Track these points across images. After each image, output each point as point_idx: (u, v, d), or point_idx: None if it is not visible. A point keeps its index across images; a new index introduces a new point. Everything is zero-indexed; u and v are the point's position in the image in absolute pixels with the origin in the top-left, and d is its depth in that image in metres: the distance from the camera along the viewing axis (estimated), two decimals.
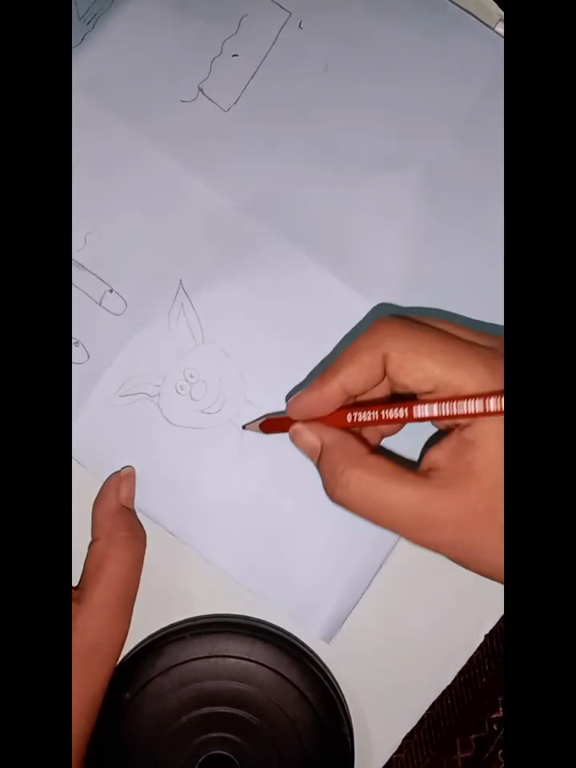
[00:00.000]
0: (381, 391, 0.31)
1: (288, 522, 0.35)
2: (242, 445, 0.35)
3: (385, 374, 0.30)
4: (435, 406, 0.27)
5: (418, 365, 0.28)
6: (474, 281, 0.36)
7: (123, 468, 0.35)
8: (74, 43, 0.37)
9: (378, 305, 0.36)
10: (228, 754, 0.33)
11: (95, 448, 0.35)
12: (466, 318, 0.36)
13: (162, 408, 0.35)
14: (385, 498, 0.28)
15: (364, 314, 0.36)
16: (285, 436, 0.32)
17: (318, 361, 0.36)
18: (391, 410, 0.29)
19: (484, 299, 0.36)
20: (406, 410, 0.28)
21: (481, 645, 0.35)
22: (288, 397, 0.35)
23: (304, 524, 0.35)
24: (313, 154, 0.37)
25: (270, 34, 0.38)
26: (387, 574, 0.35)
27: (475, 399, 0.27)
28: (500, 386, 0.27)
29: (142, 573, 0.34)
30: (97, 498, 0.34)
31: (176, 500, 0.35)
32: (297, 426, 0.31)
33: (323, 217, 0.37)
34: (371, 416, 0.30)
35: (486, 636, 0.35)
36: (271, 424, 0.34)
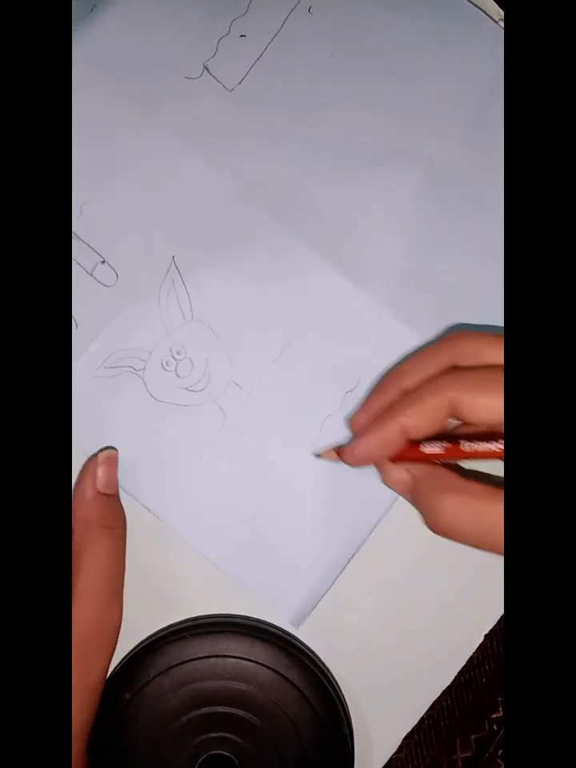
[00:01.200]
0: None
1: (266, 505, 0.35)
2: (225, 425, 0.35)
3: (452, 415, 0.29)
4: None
5: (491, 405, 0.27)
6: (473, 277, 0.36)
7: (102, 450, 0.34)
8: (80, 16, 0.37)
9: (383, 302, 0.36)
10: (228, 754, 0.33)
11: (78, 419, 0.34)
12: (465, 315, 0.36)
13: (147, 383, 0.35)
14: (490, 521, 0.27)
15: (358, 306, 0.36)
16: (263, 421, 0.34)
17: (306, 346, 0.36)
18: (469, 445, 0.28)
19: (483, 295, 0.36)
20: (483, 445, 0.28)
21: (481, 645, 0.35)
22: (348, 419, 0.35)
23: (283, 507, 0.35)
24: (314, 142, 0.37)
25: (279, 17, 0.38)
26: (387, 574, 0.35)
27: None
28: None
29: (143, 572, 0.34)
30: (75, 484, 0.34)
31: (155, 477, 0.35)
32: (383, 466, 0.31)
33: (322, 206, 0.36)
34: (443, 448, 0.29)
35: (486, 636, 0.35)
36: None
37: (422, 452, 0.30)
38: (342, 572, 0.35)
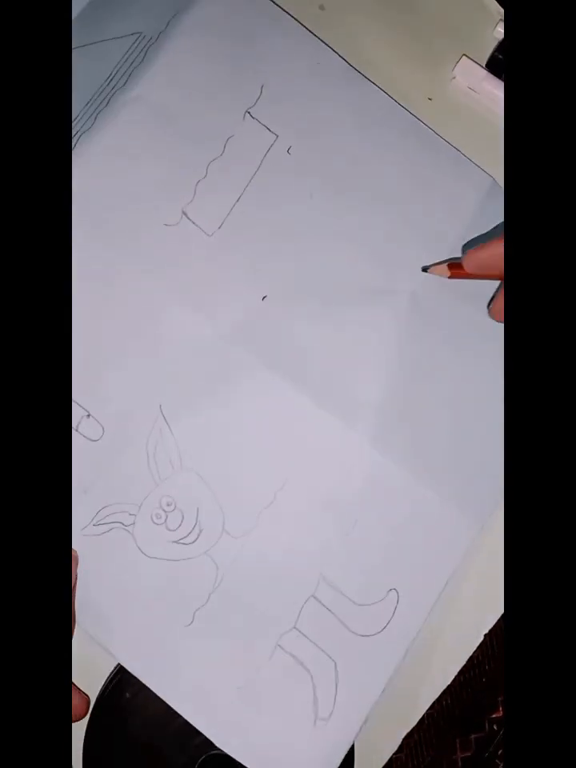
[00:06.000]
0: None
1: (263, 673, 0.33)
2: (217, 578, 0.34)
3: None
4: None
5: None
6: (460, 410, 0.36)
7: None
8: None
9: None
10: (227, 754, 0.32)
11: None
12: (452, 448, 0.36)
13: (137, 538, 0.34)
14: None
15: (349, 445, 0.35)
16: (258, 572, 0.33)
17: (300, 489, 0.34)
18: None
19: (470, 429, 0.36)
20: None
21: (481, 645, 0.35)
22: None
23: (273, 679, 0.33)
24: (295, 282, 0.36)
25: (256, 157, 0.37)
26: None
27: None
28: None
29: None
30: None
31: (145, 642, 0.33)
32: None
33: (306, 346, 0.36)
34: None
35: (486, 636, 0.35)
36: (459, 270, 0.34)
37: None
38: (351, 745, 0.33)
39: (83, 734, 0.33)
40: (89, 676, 0.33)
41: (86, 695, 0.33)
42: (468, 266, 0.33)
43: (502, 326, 0.34)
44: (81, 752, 0.33)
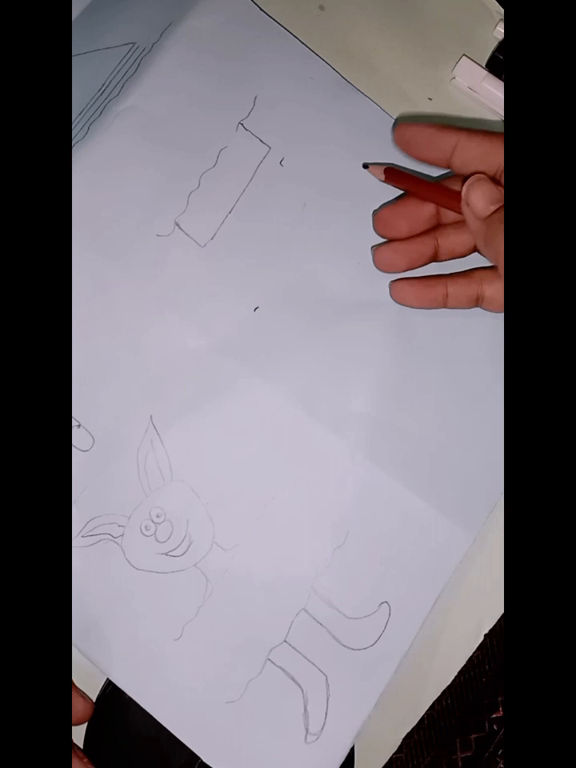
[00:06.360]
0: None
1: (253, 688, 0.33)
2: (207, 591, 0.33)
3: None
4: None
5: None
6: (451, 420, 0.36)
7: None
8: None
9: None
10: None
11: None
12: (444, 458, 0.36)
13: (125, 550, 0.33)
14: None
15: (340, 456, 0.35)
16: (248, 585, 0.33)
17: (291, 501, 0.34)
18: None
19: (462, 438, 0.36)
20: None
21: (481, 645, 0.35)
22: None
23: (264, 694, 0.33)
24: (287, 293, 0.36)
25: (249, 169, 0.37)
26: None
27: None
28: None
29: None
30: None
31: (134, 657, 0.33)
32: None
33: (298, 357, 0.36)
34: None
35: (486, 636, 0.35)
36: (396, 176, 0.34)
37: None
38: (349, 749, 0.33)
39: (84, 733, 0.33)
40: (90, 674, 0.33)
41: (90, 700, 0.33)
42: (399, 139, 0.34)
43: (494, 332, 0.36)
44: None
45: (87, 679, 0.33)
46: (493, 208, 0.31)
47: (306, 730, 0.33)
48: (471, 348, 0.37)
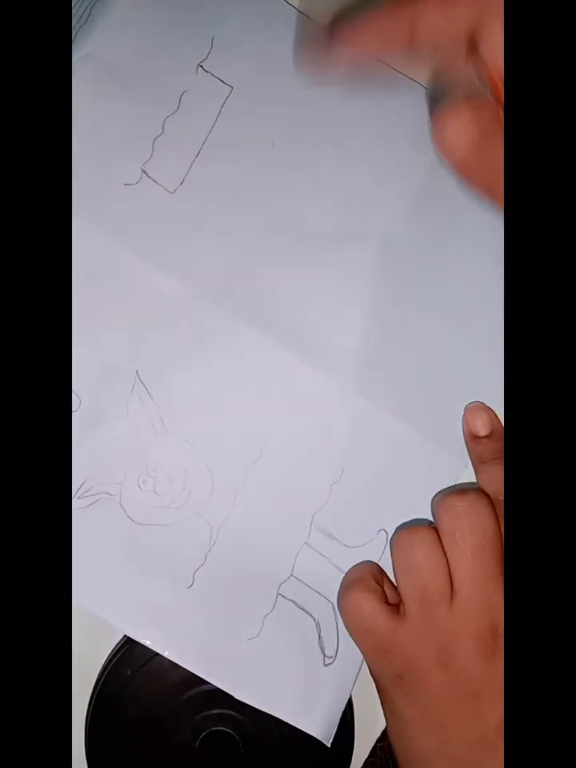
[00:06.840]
0: None
1: (269, 622, 0.33)
2: (212, 538, 0.34)
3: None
4: None
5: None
6: (437, 351, 0.36)
7: None
8: None
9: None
10: (229, 730, 0.33)
11: None
12: (433, 388, 0.36)
13: (125, 507, 0.33)
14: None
15: (331, 392, 0.35)
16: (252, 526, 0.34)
17: (285, 442, 0.35)
18: None
19: (447, 369, 0.36)
20: None
21: None
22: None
23: (280, 626, 0.33)
24: (264, 233, 0.36)
25: (213, 110, 0.36)
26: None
27: None
28: None
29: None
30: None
31: (148, 609, 0.33)
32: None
33: (280, 296, 0.35)
34: None
35: None
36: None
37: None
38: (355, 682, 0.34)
39: (85, 713, 0.33)
40: (88, 656, 0.33)
41: None
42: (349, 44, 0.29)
43: (481, 263, 0.36)
44: (82, 731, 0.33)
45: (87, 654, 0.33)
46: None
47: (323, 654, 0.34)
48: (457, 276, 0.37)
